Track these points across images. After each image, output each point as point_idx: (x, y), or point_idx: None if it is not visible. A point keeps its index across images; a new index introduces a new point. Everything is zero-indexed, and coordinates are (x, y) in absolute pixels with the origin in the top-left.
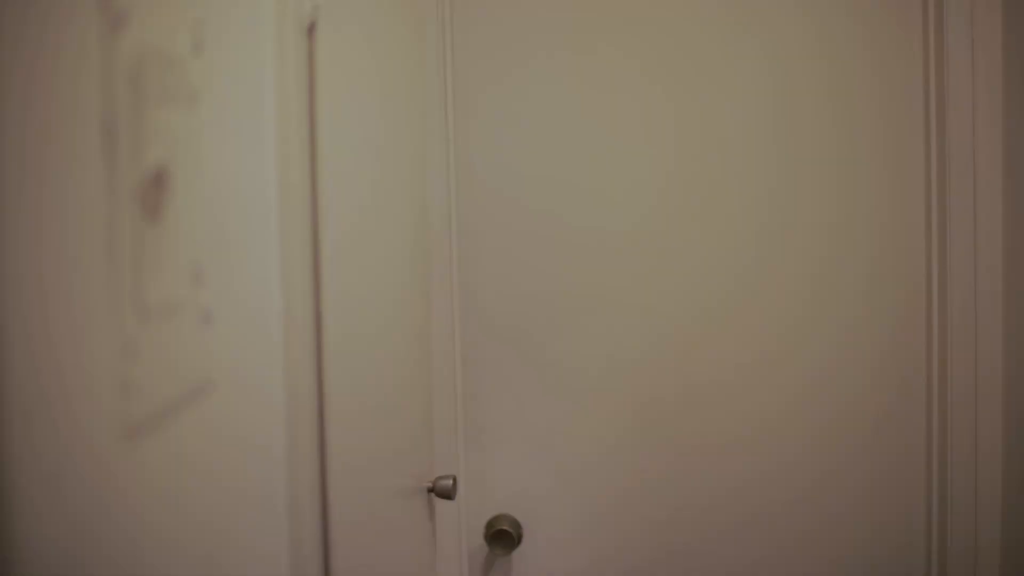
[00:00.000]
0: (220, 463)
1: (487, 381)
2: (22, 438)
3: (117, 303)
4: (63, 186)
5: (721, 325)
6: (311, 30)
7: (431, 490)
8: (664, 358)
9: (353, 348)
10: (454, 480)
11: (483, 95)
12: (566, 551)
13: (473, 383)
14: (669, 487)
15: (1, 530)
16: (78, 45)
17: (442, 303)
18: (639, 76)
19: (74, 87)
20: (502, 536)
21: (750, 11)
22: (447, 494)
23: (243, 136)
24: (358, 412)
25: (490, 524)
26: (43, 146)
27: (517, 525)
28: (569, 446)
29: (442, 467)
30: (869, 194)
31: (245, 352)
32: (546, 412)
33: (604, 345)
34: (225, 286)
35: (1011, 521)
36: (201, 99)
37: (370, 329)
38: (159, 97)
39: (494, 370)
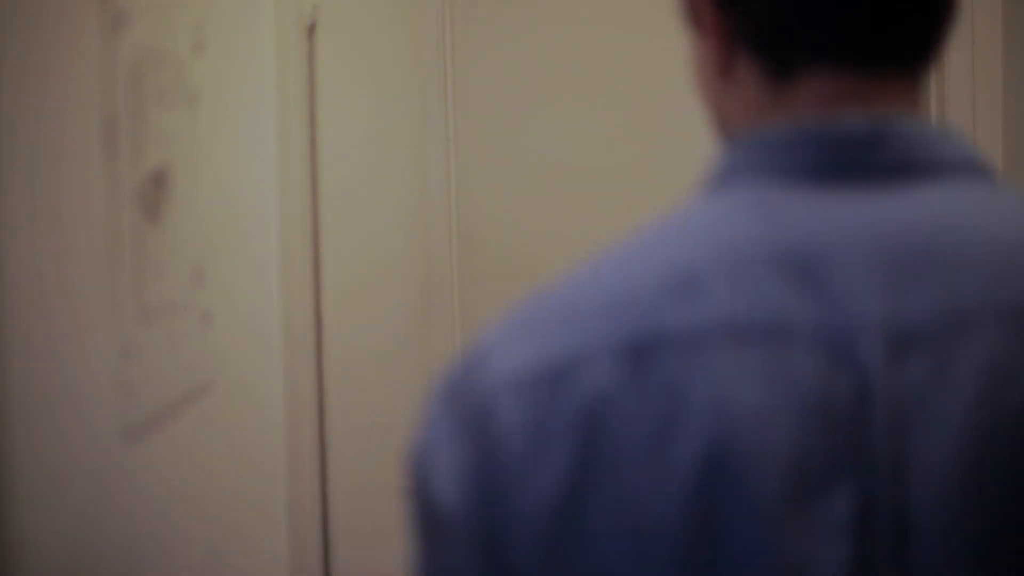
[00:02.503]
0: (220, 462)
1: None
2: (25, 437)
3: (118, 304)
4: (63, 186)
5: None
6: (311, 30)
7: None
8: None
9: (353, 348)
10: None
11: (483, 95)
12: None
13: None
14: None
15: (5, 527)
16: (78, 45)
17: (442, 302)
18: (642, 76)
19: (75, 87)
20: None
21: None
22: None
23: (243, 136)
24: (358, 411)
25: None
26: (44, 147)
27: None
28: None
29: None
30: None
31: (245, 352)
32: None
33: None
34: (225, 286)
35: None
36: (201, 99)
37: (370, 328)
38: (159, 97)
39: None
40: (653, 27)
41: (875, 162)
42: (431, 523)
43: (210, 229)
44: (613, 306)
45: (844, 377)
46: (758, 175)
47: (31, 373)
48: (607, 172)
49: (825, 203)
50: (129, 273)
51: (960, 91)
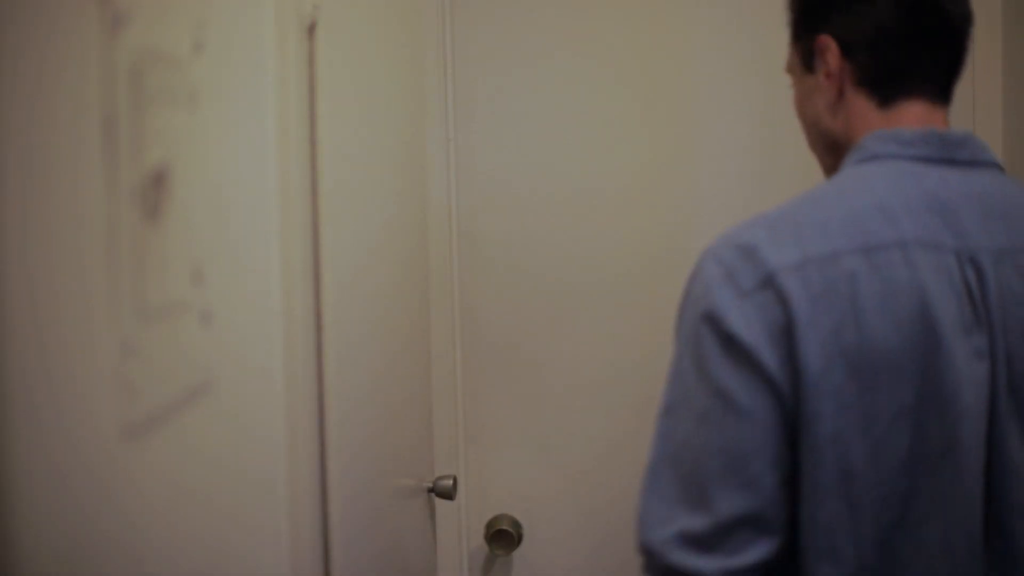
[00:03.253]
0: (220, 463)
1: (487, 381)
2: (25, 437)
3: (117, 303)
4: (64, 186)
5: None
6: (311, 30)
7: (431, 490)
8: (663, 358)
9: (353, 348)
10: (454, 480)
11: (483, 95)
12: (566, 551)
13: (473, 383)
14: None
15: (4, 527)
16: (78, 45)
17: (442, 302)
18: (640, 77)
19: (75, 87)
20: (502, 536)
21: (740, 11)
22: (447, 494)
23: (243, 136)
24: (358, 412)
25: (490, 524)
26: (44, 147)
27: (517, 525)
28: (569, 446)
29: (442, 467)
30: None
31: (245, 352)
32: (546, 412)
33: (604, 345)
34: (225, 286)
35: None
36: (201, 99)
37: (370, 329)
38: (159, 97)
39: (494, 370)
40: (657, 28)
41: (961, 156)
42: (732, 349)
43: (210, 229)
44: (847, 225)
45: (973, 273)
46: (896, 156)
47: (30, 373)
48: (608, 173)
49: (940, 176)
50: (129, 273)
51: (960, 91)
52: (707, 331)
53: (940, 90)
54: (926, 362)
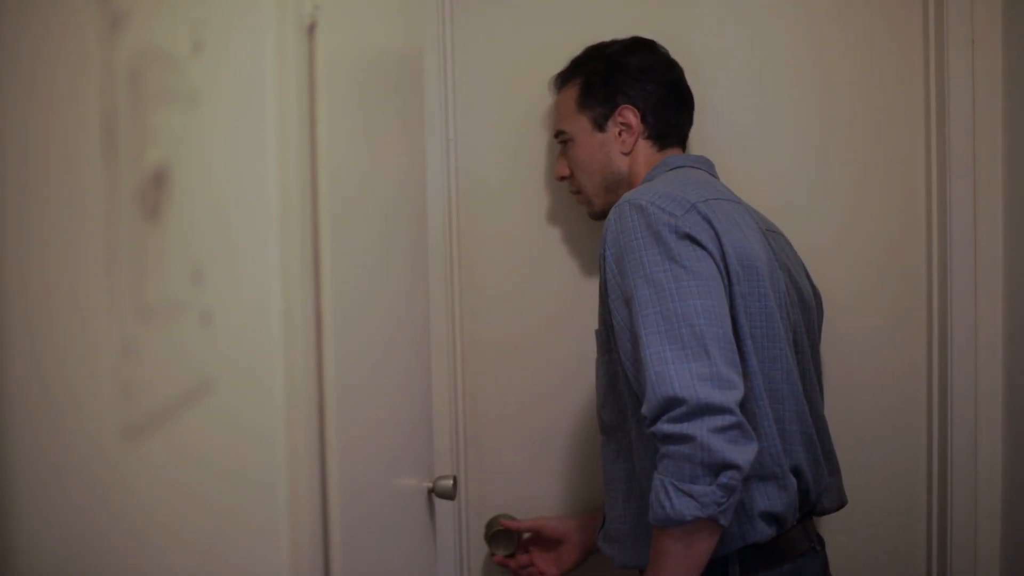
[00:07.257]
0: (220, 463)
1: (487, 381)
2: (25, 436)
3: (118, 303)
4: (64, 186)
5: None
6: (311, 30)
7: (431, 490)
8: None
9: (353, 348)
10: (454, 480)
11: (483, 95)
12: None
13: (473, 383)
14: None
15: (5, 525)
16: (78, 45)
17: (442, 302)
18: None
19: (74, 87)
20: (502, 536)
21: (742, 15)
22: (447, 494)
23: (243, 136)
24: (358, 412)
25: (490, 524)
26: (44, 147)
27: None
28: (569, 446)
29: (442, 467)
30: (870, 196)
31: (245, 352)
32: (546, 412)
33: None
34: (225, 286)
35: (1011, 521)
36: (201, 99)
37: (370, 329)
38: (159, 97)
39: (494, 370)
40: (657, 29)
41: (713, 172)
42: (692, 242)
43: (210, 229)
44: (701, 187)
45: (761, 222)
46: (689, 167)
47: (30, 373)
48: None
49: (708, 178)
50: (129, 273)
51: (960, 91)
52: (671, 235)
53: (685, 139)
54: (769, 263)
